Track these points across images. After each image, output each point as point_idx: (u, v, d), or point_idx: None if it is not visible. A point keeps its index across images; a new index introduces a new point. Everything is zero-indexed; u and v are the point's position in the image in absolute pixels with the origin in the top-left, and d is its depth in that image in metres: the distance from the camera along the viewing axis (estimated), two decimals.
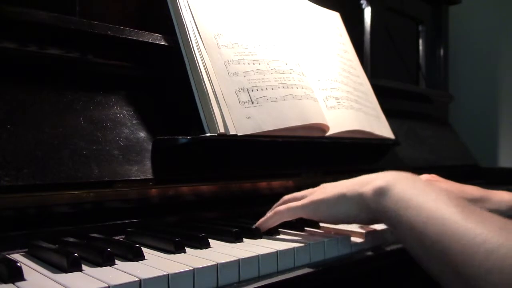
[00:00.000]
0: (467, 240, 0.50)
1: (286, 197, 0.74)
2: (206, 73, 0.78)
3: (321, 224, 0.78)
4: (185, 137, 0.74)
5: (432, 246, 0.53)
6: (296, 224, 0.74)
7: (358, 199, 0.63)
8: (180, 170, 0.77)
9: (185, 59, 0.80)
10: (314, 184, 0.98)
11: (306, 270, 0.59)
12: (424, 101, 1.59)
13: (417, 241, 0.56)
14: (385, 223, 0.63)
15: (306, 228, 0.75)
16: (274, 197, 0.77)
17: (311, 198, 0.67)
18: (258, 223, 0.70)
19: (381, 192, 0.60)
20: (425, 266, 0.56)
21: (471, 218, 0.53)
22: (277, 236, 0.69)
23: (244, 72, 0.82)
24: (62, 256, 0.50)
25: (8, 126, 0.63)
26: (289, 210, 0.68)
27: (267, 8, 0.97)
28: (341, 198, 0.65)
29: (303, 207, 0.68)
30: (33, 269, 0.52)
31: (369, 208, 0.62)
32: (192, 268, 0.50)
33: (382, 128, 1.10)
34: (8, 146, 0.61)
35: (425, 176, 0.97)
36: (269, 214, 0.70)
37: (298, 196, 0.71)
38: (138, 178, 0.71)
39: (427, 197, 0.57)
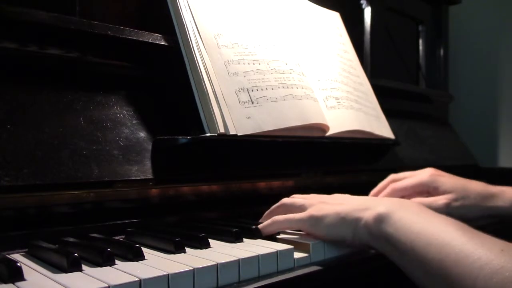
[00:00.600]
0: (468, 264, 0.51)
1: (285, 200, 0.74)
2: (206, 73, 0.78)
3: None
4: (185, 137, 0.74)
5: (434, 271, 0.54)
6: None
7: (357, 224, 0.63)
8: (180, 170, 0.77)
9: (185, 59, 0.80)
10: (314, 184, 0.99)
11: (306, 270, 0.59)
12: (424, 101, 1.59)
13: (419, 267, 0.56)
14: (384, 251, 0.62)
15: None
16: (274, 197, 0.77)
17: (311, 213, 0.67)
18: (259, 226, 0.70)
19: (382, 219, 0.60)
20: None
21: (472, 242, 0.53)
22: (277, 236, 0.69)
23: (244, 72, 0.82)
24: (62, 256, 0.50)
25: (8, 126, 0.63)
26: (287, 221, 0.68)
27: (267, 8, 0.97)
28: (340, 221, 0.64)
29: (301, 221, 0.67)
30: (33, 269, 0.52)
31: (369, 234, 0.62)
32: (192, 268, 0.50)
33: (382, 128, 1.10)
34: (8, 146, 0.61)
35: (427, 170, 0.96)
36: (267, 221, 0.69)
37: (297, 205, 0.71)
38: (138, 178, 0.71)
39: (427, 222, 0.58)
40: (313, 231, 0.66)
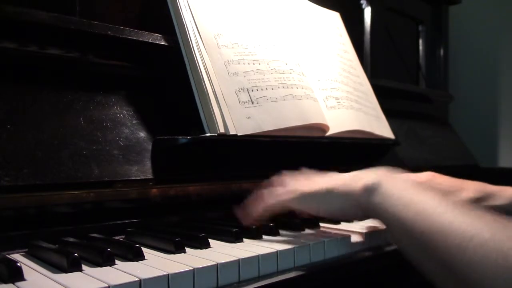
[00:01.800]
0: (457, 234, 0.50)
1: (265, 182, 0.73)
2: (206, 73, 0.78)
3: (321, 224, 0.77)
4: (185, 137, 0.74)
5: (422, 242, 0.53)
6: (296, 225, 0.74)
7: (347, 196, 0.64)
8: (180, 170, 0.77)
9: (185, 59, 0.80)
10: None
11: (306, 270, 0.59)
12: (424, 101, 1.59)
13: (407, 238, 0.56)
14: (376, 219, 0.63)
15: (306, 229, 0.75)
16: None
17: (300, 190, 0.67)
18: (244, 221, 0.69)
19: (370, 189, 0.61)
20: (417, 264, 0.56)
21: (460, 213, 0.52)
22: (277, 237, 0.69)
23: (244, 72, 0.82)
24: (62, 256, 0.50)
25: (8, 126, 0.63)
26: (277, 202, 0.68)
27: (267, 8, 0.97)
28: (330, 194, 0.65)
29: (292, 199, 0.67)
30: (33, 269, 0.52)
31: (359, 205, 0.63)
32: (192, 268, 0.50)
33: (382, 128, 1.10)
34: (8, 146, 0.61)
35: (425, 174, 0.97)
36: (254, 205, 0.69)
37: (280, 183, 0.70)
38: (138, 178, 0.71)
39: (415, 194, 0.58)
40: (302, 207, 0.67)
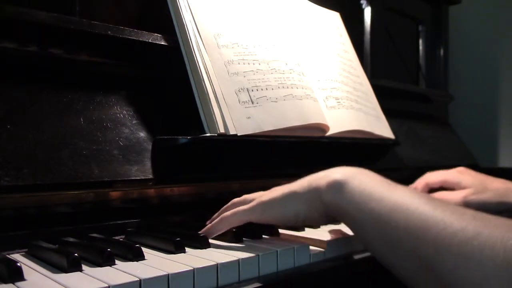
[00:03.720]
0: (439, 230, 0.47)
1: (236, 200, 0.69)
2: (206, 73, 0.78)
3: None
4: (185, 137, 0.74)
5: (400, 241, 0.50)
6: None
7: (310, 195, 0.59)
8: (180, 170, 0.77)
9: (185, 59, 0.80)
10: None
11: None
12: (424, 101, 1.59)
13: (382, 237, 0.52)
14: (343, 220, 0.58)
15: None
16: None
17: (259, 200, 0.63)
18: (203, 230, 0.65)
19: (338, 186, 0.56)
20: (391, 266, 0.52)
21: (440, 209, 0.49)
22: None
23: (244, 72, 0.82)
24: (62, 256, 0.50)
25: (8, 126, 0.63)
26: (235, 214, 0.63)
27: (267, 8, 0.97)
28: (291, 196, 0.60)
29: (250, 209, 0.62)
30: (33, 269, 0.52)
31: (323, 204, 0.58)
32: (192, 268, 0.50)
33: (382, 128, 1.10)
34: (8, 146, 0.61)
35: (457, 168, 1.03)
36: (216, 220, 0.65)
37: (248, 199, 0.66)
38: (138, 178, 0.71)
39: (389, 189, 0.54)
40: (264, 217, 0.62)
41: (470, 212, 0.49)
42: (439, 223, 0.48)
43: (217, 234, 0.64)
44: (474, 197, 0.95)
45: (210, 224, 0.65)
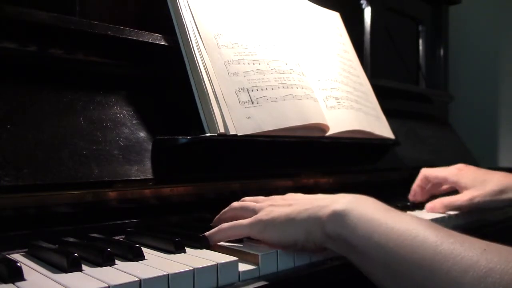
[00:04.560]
0: (449, 266, 0.45)
1: (234, 204, 0.68)
2: (206, 73, 0.78)
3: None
4: (185, 137, 0.74)
5: (409, 274, 0.48)
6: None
7: (309, 225, 0.57)
8: (180, 170, 0.77)
9: (185, 59, 0.80)
10: (314, 184, 0.99)
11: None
12: (424, 101, 1.59)
13: (389, 271, 0.50)
14: (341, 251, 0.56)
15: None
16: None
17: (259, 218, 0.61)
18: (205, 234, 0.63)
19: (339, 217, 0.54)
20: None
21: (449, 241, 0.47)
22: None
23: (244, 72, 0.82)
24: (62, 256, 0.50)
25: (8, 126, 0.63)
26: (234, 228, 0.62)
27: (267, 8, 0.97)
28: (289, 222, 0.58)
29: (249, 226, 0.61)
30: (33, 269, 0.52)
31: (324, 236, 0.56)
32: (192, 268, 0.50)
33: (382, 128, 1.10)
34: (8, 146, 0.61)
35: (456, 166, 1.01)
36: (214, 230, 0.63)
37: (247, 208, 0.65)
38: (138, 178, 0.71)
39: (393, 220, 0.52)
40: (262, 237, 0.60)
41: (479, 243, 0.47)
42: (448, 258, 0.46)
43: (216, 243, 0.62)
44: (480, 199, 0.93)
45: (208, 233, 0.63)
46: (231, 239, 0.63)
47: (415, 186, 1.06)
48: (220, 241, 0.62)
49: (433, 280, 0.46)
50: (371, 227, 0.52)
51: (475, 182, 0.96)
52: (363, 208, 0.55)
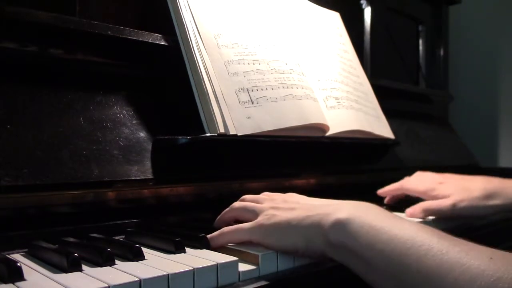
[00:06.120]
0: (456, 276, 0.44)
1: (235, 204, 0.67)
2: (206, 73, 0.78)
3: None
4: (185, 137, 0.74)
5: (414, 284, 0.47)
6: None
7: (311, 232, 0.56)
8: (180, 170, 0.77)
9: (185, 59, 0.80)
10: (314, 184, 0.99)
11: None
12: (424, 101, 1.59)
13: (394, 280, 0.49)
14: (344, 261, 0.55)
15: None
16: None
17: (260, 222, 0.60)
18: (207, 236, 0.62)
19: (342, 226, 0.54)
20: None
21: (455, 249, 0.47)
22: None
23: (244, 72, 0.82)
24: (62, 256, 0.50)
25: (8, 126, 0.63)
26: (236, 233, 0.61)
27: (267, 8, 0.97)
28: (292, 229, 0.57)
29: (251, 231, 0.60)
30: (33, 269, 0.52)
31: (326, 243, 0.55)
32: (192, 268, 0.50)
33: (382, 128, 1.10)
34: (8, 146, 0.61)
35: (431, 179, 0.96)
36: (215, 233, 0.62)
37: (248, 209, 0.65)
38: (138, 178, 0.71)
39: (398, 226, 0.52)
40: (263, 242, 0.59)
41: (486, 251, 0.47)
42: (454, 268, 0.45)
43: (218, 246, 0.62)
44: (464, 204, 0.88)
45: (210, 236, 0.62)
46: (232, 242, 0.63)
47: (390, 193, 1.00)
48: (221, 245, 0.62)
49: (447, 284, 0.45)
50: (375, 235, 0.52)
51: (456, 190, 0.90)
52: (366, 216, 0.54)
